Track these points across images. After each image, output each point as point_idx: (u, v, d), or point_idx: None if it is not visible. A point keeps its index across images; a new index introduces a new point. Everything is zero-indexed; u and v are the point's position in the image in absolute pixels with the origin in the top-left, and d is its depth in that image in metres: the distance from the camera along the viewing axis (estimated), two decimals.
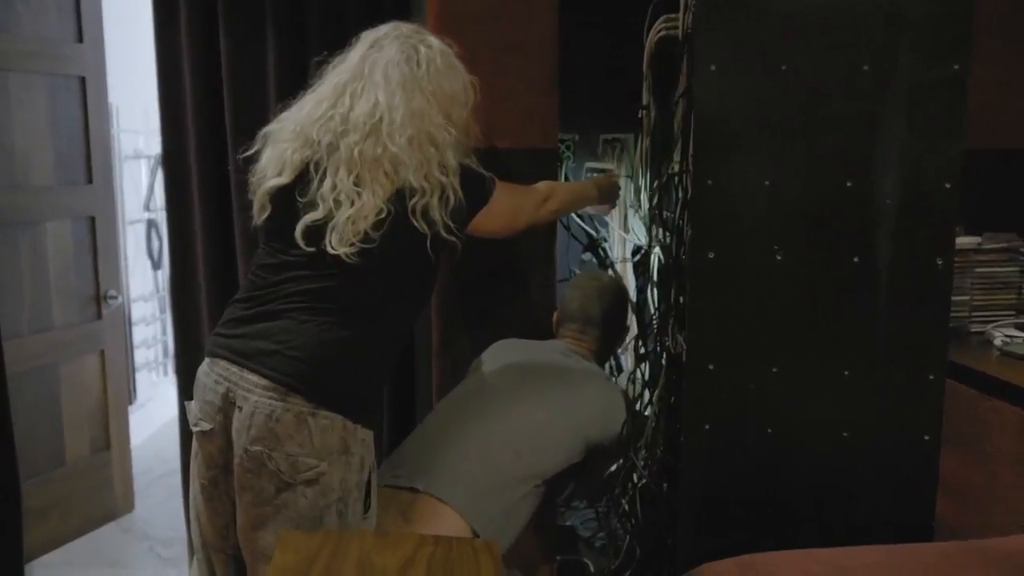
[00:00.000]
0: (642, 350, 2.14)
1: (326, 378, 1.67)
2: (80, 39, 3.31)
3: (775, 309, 1.71)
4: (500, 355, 2.18)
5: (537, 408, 1.99)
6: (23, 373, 3.04)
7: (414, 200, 1.67)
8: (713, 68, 1.67)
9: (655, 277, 2.12)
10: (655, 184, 2.08)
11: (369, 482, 1.74)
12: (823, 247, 1.69)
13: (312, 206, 1.67)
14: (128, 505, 3.63)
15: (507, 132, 2.23)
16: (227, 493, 1.74)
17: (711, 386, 1.73)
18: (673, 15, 1.92)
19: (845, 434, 1.73)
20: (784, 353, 1.72)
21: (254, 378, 1.66)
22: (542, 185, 2.03)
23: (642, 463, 2.05)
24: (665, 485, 1.95)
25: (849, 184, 1.68)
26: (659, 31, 1.98)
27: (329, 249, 1.65)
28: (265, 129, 1.81)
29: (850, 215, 1.69)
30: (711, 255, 1.70)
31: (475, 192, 1.78)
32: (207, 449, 1.75)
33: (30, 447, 3.02)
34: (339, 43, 2.42)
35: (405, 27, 1.82)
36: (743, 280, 1.71)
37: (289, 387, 1.64)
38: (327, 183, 1.67)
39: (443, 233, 1.69)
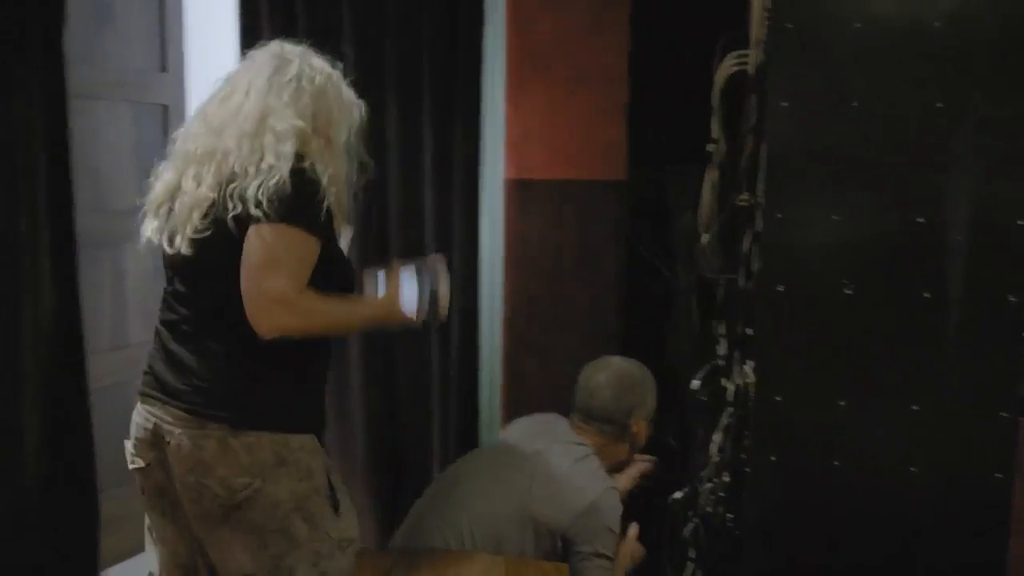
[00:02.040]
0: (696, 382, 2.14)
1: (234, 399, 1.67)
2: (164, 69, 3.45)
3: (843, 342, 1.72)
4: (507, 434, 2.29)
5: (488, 500, 2.05)
6: (103, 388, 3.15)
7: (234, 184, 1.63)
8: (785, 104, 1.70)
9: (722, 308, 2.14)
10: (722, 216, 2.10)
11: (330, 484, 1.75)
12: (893, 281, 1.70)
13: (171, 213, 1.72)
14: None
15: (577, 163, 2.28)
16: (177, 521, 1.78)
17: (778, 418, 1.74)
18: (744, 51, 1.96)
19: (913, 469, 1.72)
20: (852, 386, 1.72)
21: (173, 412, 1.70)
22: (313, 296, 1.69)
23: (707, 493, 2.06)
24: (729, 516, 1.95)
25: (920, 219, 1.68)
26: (730, 67, 2.01)
27: (171, 249, 1.69)
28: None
29: (921, 250, 1.69)
30: (780, 288, 1.72)
31: (287, 201, 1.60)
32: (146, 486, 1.79)
33: (109, 459, 3.13)
34: (415, 77, 2.51)
35: (287, 45, 1.82)
36: (811, 313, 1.72)
37: (203, 416, 1.67)
38: (181, 187, 1.70)
39: (252, 211, 1.59)
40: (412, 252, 2.60)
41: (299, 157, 1.67)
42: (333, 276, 1.73)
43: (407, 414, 2.71)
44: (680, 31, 2.28)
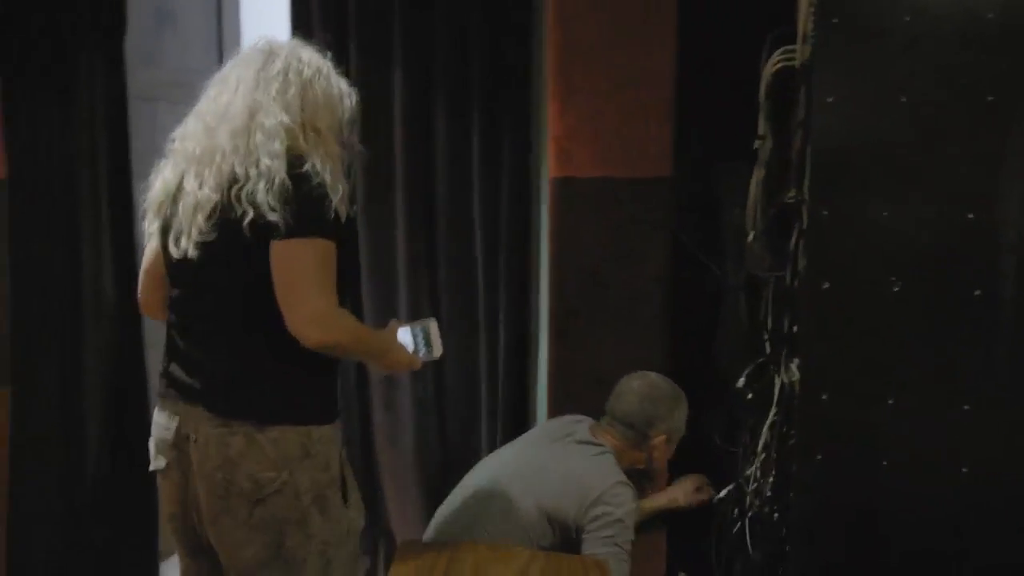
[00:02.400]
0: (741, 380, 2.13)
1: (257, 397, 1.73)
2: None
3: (891, 340, 1.69)
4: (530, 435, 2.38)
5: (507, 497, 2.11)
6: None
7: (237, 186, 1.66)
8: (830, 100, 1.68)
9: (769, 305, 2.12)
10: (770, 213, 2.09)
11: (343, 474, 1.80)
12: (942, 279, 1.67)
13: (176, 215, 1.75)
14: None
15: (621, 161, 2.28)
16: (189, 526, 1.83)
17: (823, 417, 1.72)
18: (791, 47, 1.94)
19: (964, 470, 1.69)
20: (900, 385, 1.70)
21: (198, 410, 1.74)
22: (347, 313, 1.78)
23: (752, 493, 2.05)
24: (776, 515, 1.94)
25: (971, 216, 1.65)
26: (776, 62, 2.00)
27: (177, 251, 1.72)
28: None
29: (971, 248, 1.66)
30: (825, 285, 1.70)
31: (303, 213, 1.64)
32: (165, 487, 1.85)
33: None
34: (462, 73, 2.54)
35: (277, 39, 1.83)
36: (858, 311, 1.70)
37: (228, 414, 1.71)
38: (184, 188, 1.73)
39: (268, 216, 1.62)
40: (461, 254, 2.64)
41: (296, 156, 1.69)
42: (348, 269, 1.80)
43: (455, 406, 2.74)
44: (727, 27, 2.27)
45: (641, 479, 2.31)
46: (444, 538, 2.05)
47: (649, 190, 2.29)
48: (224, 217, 1.68)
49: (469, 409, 2.72)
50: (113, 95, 2.83)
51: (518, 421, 2.65)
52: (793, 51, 1.92)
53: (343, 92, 1.84)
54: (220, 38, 3.47)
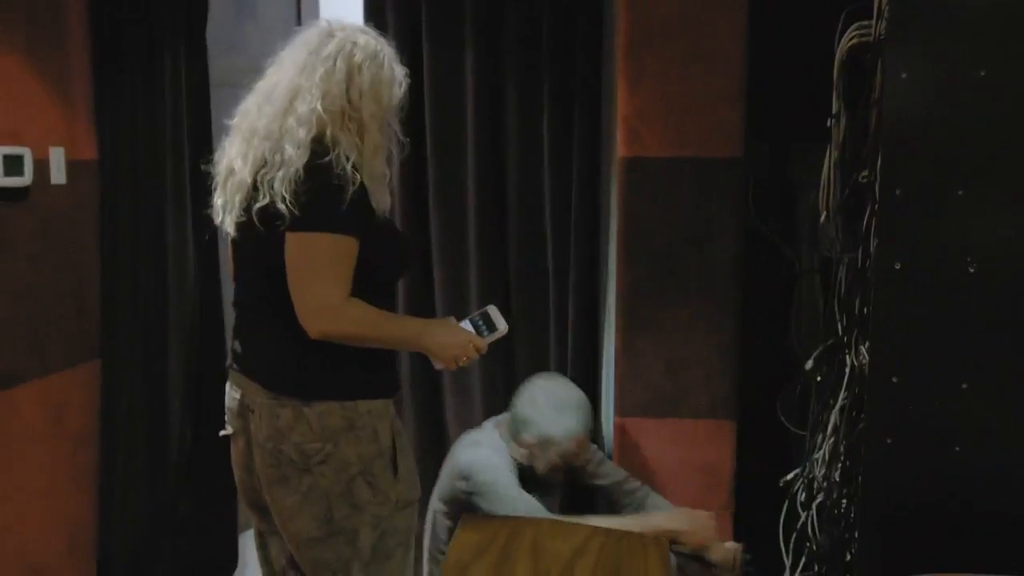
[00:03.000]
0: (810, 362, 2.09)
1: (303, 375, 1.78)
2: None
3: (966, 323, 1.65)
4: None
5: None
6: None
7: (262, 171, 1.70)
8: (904, 76, 1.63)
9: (841, 287, 2.08)
10: (844, 194, 2.04)
11: (395, 447, 1.84)
12: (1021, 260, 1.61)
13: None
14: None
15: (692, 141, 2.26)
16: (253, 488, 1.91)
17: (894, 400, 1.69)
18: (866, 22, 1.89)
19: None
20: (975, 369, 1.65)
21: (254, 385, 1.83)
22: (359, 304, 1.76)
23: (820, 476, 2.02)
24: (844, 500, 1.91)
25: None
26: (851, 38, 1.95)
27: (227, 229, 1.81)
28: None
29: None
30: (897, 266, 1.66)
31: (311, 205, 1.67)
32: (233, 452, 1.94)
33: None
34: (533, 54, 2.54)
35: (337, 21, 1.84)
36: (931, 292, 1.66)
37: (278, 389, 1.78)
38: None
39: (278, 205, 1.66)
40: (531, 235, 2.65)
41: (322, 145, 1.70)
42: (382, 257, 1.80)
43: None
44: (800, 3, 2.22)
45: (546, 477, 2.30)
46: None
47: (720, 170, 2.26)
48: (250, 201, 1.73)
49: None
50: (196, 82, 2.92)
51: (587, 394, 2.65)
52: (868, 26, 1.87)
53: (395, 79, 1.83)
54: (299, 23, 3.54)
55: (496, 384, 2.73)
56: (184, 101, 2.90)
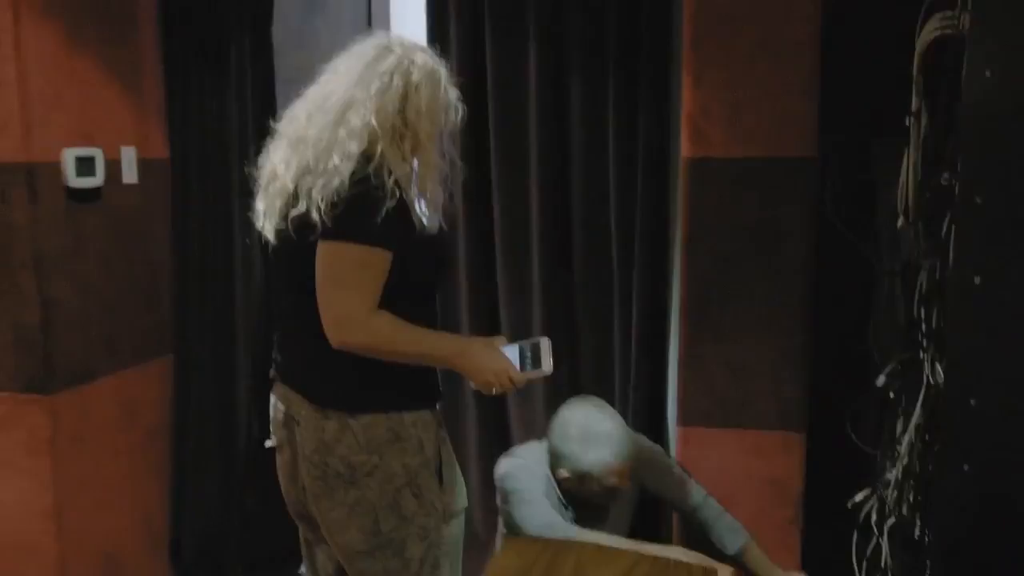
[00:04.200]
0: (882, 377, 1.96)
1: (348, 389, 1.75)
2: None
3: None
4: None
5: None
6: None
7: (304, 179, 1.68)
8: (989, 74, 1.50)
9: (918, 297, 1.95)
10: (923, 197, 1.91)
11: (440, 457, 1.82)
12: None
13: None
14: None
15: (761, 140, 2.14)
16: (298, 499, 1.90)
17: (971, 425, 1.56)
18: (950, 12, 1.75)
19: None
20: None
21: (298, 396, 1.81)
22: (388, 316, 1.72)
23: (893, 499, 1.90)
24: (917, 525, 1.79)
25: None
26: (933, 31, 1.81)
27: (267, 235, 1.78)
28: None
29: None
30: (977, 280, 1.53)
31: (344, 216, 1.64)
32: (279, 463, 1.94)
33: None
34: (597, 48, 2.46)
35: (397, 37, 1.82)
36: (1015, 309, 1.52)
37: (323, 402, 1.76)
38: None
39: (312, 214, 1.64)
40: (595, 236, 2.58)
41: (368, 159, 1.67)
42: (418, 272, 1.76)
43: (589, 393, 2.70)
44: None
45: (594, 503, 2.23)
46: None
47: (792, 171, 2.14)
48: (289, 208, 1.71)
49: (604, 394, 2.67)
50: (262, 78, 2.93)
51: (652, 409, 2.58)
52: (952, 18, 1.73)
53: (450, 103, 1.80)
54: (369, 18, 3.53)
55: (560, 390, 2.68)
56: (250, 98, 2.92)
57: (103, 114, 2.74)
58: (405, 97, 1.73)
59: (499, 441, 2.83)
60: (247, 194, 2.90)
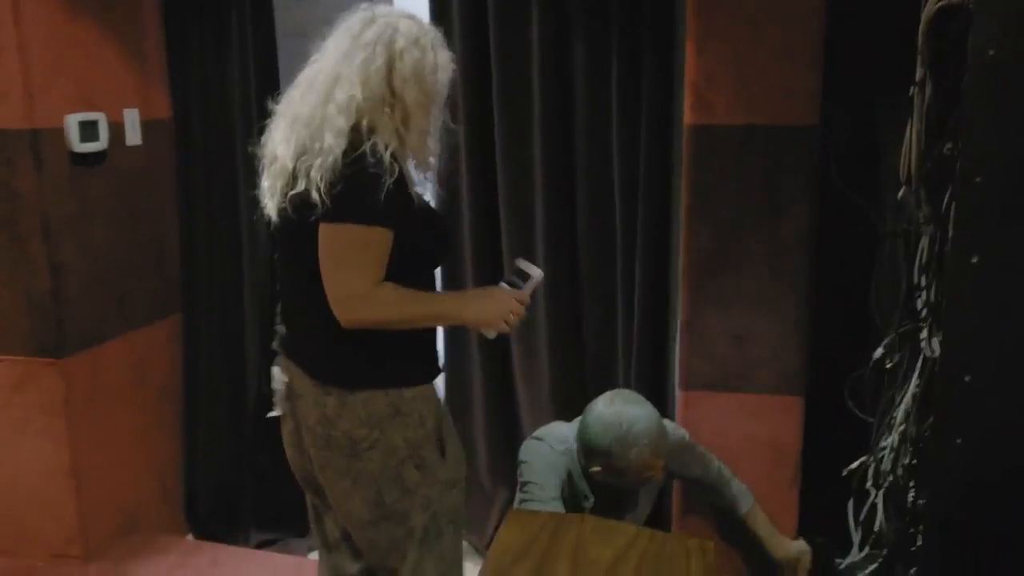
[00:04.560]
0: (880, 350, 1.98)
1: (347, 366, 1.79)
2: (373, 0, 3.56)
3: None
4: None
5: None
6: None
7: (302, 159, 1.69)
8: (992, 53, 1.49)
9: (917, 269, 1.96)
10: (925, 167, 1.90)
11: (441, 430, 1.86)
12: None
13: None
14: None
15: (763, 108, 2.13)
16: (304, 467, 1.95)
17: (965, 400, 1.59)
18: None
19: None
20: None
21: (300, 371, 1.84)
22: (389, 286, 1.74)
23: (888, 466, 1.94)
24: (912, 493, 1.84)
25: None
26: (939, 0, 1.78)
27: (268, 214, 1.80)
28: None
29: None
30: (974, 259, 1.54)
31: (343, 196, 1.65)
32: (283, 432, 1.97)
33: None
34: (601, 13, 2.43)
35: (382, 7, 1.79)
36: (1013, 288, 1.54)
37: (322, 378, 1.79)
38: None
39: (312, 195, 1.65)
40: (599, 200, 2.58)
41: (360, 133, 1.68)
42: (419, 246, 1.79)
43: (594, 354, 2.73)
44: None
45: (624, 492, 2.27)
46: None
47: (795, 139, 2.13)
48: (290, 188, 1.73)
49: (607, 356, 2.71)
50: (262, 35, 2.90)
51: (655, 374, 2.62)
52: None
53: (438, 65, 1.77)
54: None
55: (565, 362, 2.71)
56: (251, 55, 2.89)
57: (105, 77, 2.73)
58: (390, 66, 1.72)
59: (506, 421, 2.88)
60: (250, 154, 2.94)
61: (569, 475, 2.24)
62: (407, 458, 1.81)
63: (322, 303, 1.73)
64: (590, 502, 2.27)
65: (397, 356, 1.81)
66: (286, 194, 1.74)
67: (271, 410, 2.00)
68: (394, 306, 1.74)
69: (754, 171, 2.17)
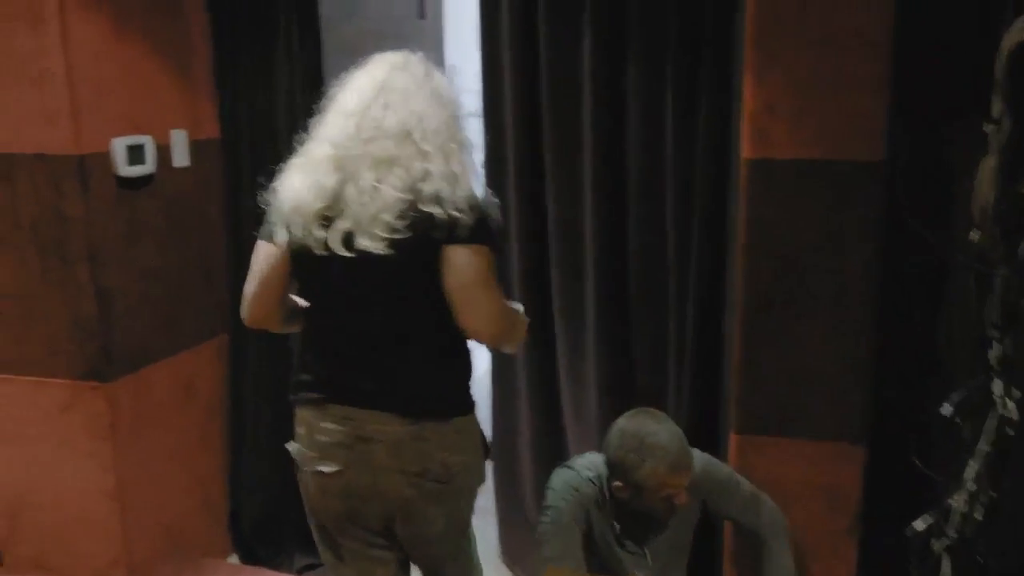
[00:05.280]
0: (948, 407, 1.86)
1: (441, 396, 1.87)
2: (422, 15, 3.50)
3: None
4: None
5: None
6: None
7: (425, 185, 1.72)
8: None
9: (991, 317, 1.83)
10: (1001, 207, 1.78)
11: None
12: None
13: (341, 214, 1.75)
14: None
15: (821, 140, 2.02)
16: (361, 514, 1.93)
17: None
18: None
19: None
20: None
21: (383, 416, 1.83)
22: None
23: (956, 527, 1.83)
24: (982, 561, 1.72)
25: None
26: (1020, 31, 1.66)
27: (348, 252, 1.74)
28: (291, 160, 1.87)
29: None
30: None
31: (481, 221, 1.77)
32: (332, 486, 1.90)
33: None
34: (657, 38, 2.34)
35: (412, 55, 1.86)
36: None
37: (418, 415, 1.83)
38: (351, 190, 1.74)
39: (450, 212, 1.71)
40: (651, 232, 2.49)
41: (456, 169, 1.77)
42: None
43: (644, 386, 2.65)
44: None
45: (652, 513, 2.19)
46: None
47: (859, 174, 2.02)
48: (414, 216, 1.76)
49: (657, 392, 2.62)
50: (310, 52, 2.87)
51: (706, 415, 2.52)
52: None
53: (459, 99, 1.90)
54: None
55: (613, 396, 2.63)
56: (298, 74, 2.86)
57: (152, 99, 2.71)
58: (450, 107, 1.83)
59: (549, 425, 2.82)
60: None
61: (597, 501, 2.20)
62: (479, 474, 1.97)
63: (429, 331, 1.82)
64: (616, 530, 2.23)
65: (469, 382, 1.93)
66: (386, 223, 1.71)
67: (322, 465, 1.91)
68: (512, 315, 1.92)
69: (816, 207, 2.06)
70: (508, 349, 2.04)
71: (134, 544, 2.79)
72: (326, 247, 1.77)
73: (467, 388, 1.91)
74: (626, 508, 2.18)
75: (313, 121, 1.85)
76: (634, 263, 2.56)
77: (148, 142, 2.66)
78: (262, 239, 1.89)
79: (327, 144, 1.79)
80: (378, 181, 1.73)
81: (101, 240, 2.57)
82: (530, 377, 2.78)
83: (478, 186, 1.86)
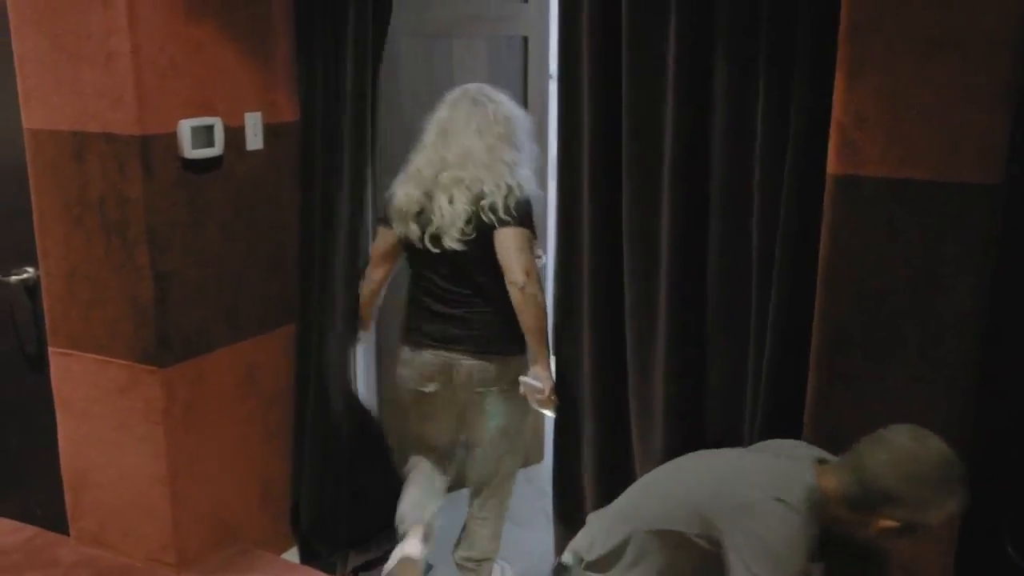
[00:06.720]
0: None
1: (500, 339, 2.70)
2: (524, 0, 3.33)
3: None
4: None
5: (674, 479, 2.06)
6: None
7: (484, 200, 2.57)
8: None
9: None
10: None
11: None
12: None
13: (430, 222, 2.62)
14: (538, 455, 3.74)
15: (923, 157, 1.72)
16: (444, 428, 2.91)
17: None
18: None
19: None
20: None
21: (461, 351, 2.70)
22: None
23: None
24: None
25: None
26: None
27: (435, 248, 2.64)
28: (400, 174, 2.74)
29: None
30: None
31: (522, 213, 2.60)
32: (430, 405, 2.83)
33: None
34: (747, 43, 2.08)
35: (473, 88, 2.69)
36: None
37: (485, 352, 2.70)
38: (434, 205, 2.62)
39: (501, 216, 2.56)
40: (735, 253, 2.24)
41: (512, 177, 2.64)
42: None
43: (713, 433, 2.40)
44: None
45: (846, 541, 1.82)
46: (618, 507, 2.11)
47: (965, 199, 1.71)
48: (476, 224, 2.59)
49: (732, 419, 2.36)
50: (378, 35, 2.76)
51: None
52: None
53: (526, 116, 2.80)
54: None
55: (681, 407, 2.40)
56: (370, 57, 2.75)
57: (225, 81, 2.65)
58: (518, 129, 2.71)
59: (615, 448, 2.62)
60: (362, 158, 2.79)
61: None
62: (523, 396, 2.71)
63: (491, 296, 2.64)
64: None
65: (519, 331, 2.65)
66: (476, 226, 2.57)
67: (418, 386, 2.80)
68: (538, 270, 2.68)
69: (911, 236, 1.76)
70: (531, 310, 2.58)
71: (185, 531, 2.76)
72: (421, 241, 2.64)
73: (519, 335, 2.65)
74: (835, 535, 1.83)
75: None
76: (712, 282, 2.30)
77: (217, 124, 2.61)
78: (382, 226, 2.79)
79: (415, 167, 2.67)
80: (451, 200, 2.58)
81: (161, 223, 2.53)
82: (593, 392, 2.60)
83: (530, 183, 2.65)
